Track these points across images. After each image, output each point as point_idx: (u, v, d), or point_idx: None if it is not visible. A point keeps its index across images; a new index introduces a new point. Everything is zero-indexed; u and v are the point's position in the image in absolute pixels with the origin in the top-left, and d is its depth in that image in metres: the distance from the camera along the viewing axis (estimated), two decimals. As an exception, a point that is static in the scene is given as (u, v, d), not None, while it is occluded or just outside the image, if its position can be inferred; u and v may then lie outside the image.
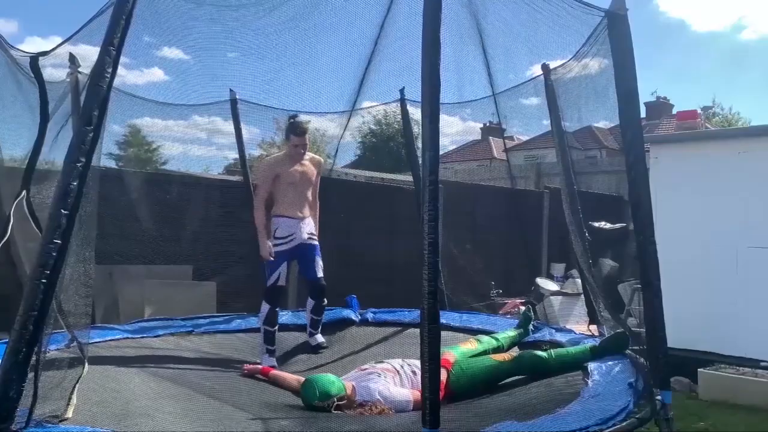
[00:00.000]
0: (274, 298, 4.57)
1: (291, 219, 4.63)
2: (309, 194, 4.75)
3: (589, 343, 4.06)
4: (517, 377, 3.71)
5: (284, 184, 4.62)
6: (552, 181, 10.49)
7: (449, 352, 3.75)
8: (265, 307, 4.54)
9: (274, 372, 4.01)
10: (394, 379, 3.51)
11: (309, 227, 4.73)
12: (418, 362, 3.59)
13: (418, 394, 3.28)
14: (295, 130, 4.61)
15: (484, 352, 4.03)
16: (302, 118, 5.06)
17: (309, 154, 4.76)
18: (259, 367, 4.11)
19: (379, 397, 3.31)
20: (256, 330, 5.33)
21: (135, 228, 6.16)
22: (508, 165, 9.48)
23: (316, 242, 4.75)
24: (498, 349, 4.16)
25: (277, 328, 4.57)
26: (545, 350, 3.93)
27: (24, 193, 3.79)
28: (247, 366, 4.17)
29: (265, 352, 4.46)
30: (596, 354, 3.79)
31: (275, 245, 4.60)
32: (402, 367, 3.61)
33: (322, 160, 5.03)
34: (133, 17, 2.68)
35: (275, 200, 4.67)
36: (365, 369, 3.64)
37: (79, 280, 2.92)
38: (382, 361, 3.74)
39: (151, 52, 3.98)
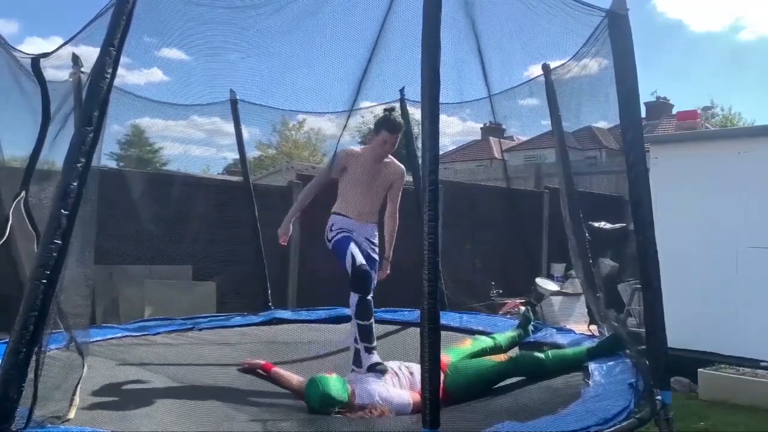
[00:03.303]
0: (360, 284, 3.76)
1: (348, 219, 4.06)
2: (378, 201, 4.20)
3: (586, 344, 4.06)
4: (516, 378, 3.71)
5: (351, 181, 4.08)
6: (552, 181, 10.50)
7: (443, 354, 3.69)
8: (353, 298, 3.77)
9: (276, 369, 3.94)
10: (392, 381, 3.51)
11: (369, 235, 4.16)
12: (413, 364, 3.61)
13: (417, 396, 3.28)
14: (390, 125, 4.04)
15: (482, 352, 4.02)
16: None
17: (390, 159, 4.21)
18: (261, 362, 4.05)
19: (379, 399, 3.31)
20: (258, 324, 5.35)
21: (135, 228, 6.16)
22: (504, 166, 9.50)
23: (376, 256, 4.18)
24: (496, 350, 4.14)
25: (373, 320, 3.80)
26: (544, 351, 3.92)
27: (23, 193, 3.79)
28: (247, 360, 4.11)
29: (363, 350, 3.75)
30: (593, 355, 3.79)
31: (333, 236, 4.02)
32: (400, 368, 3.61)
33: (404, 169, 4.37)
34: (133, 18, 2.69)
35: (338, 196, 4.16)
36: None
37: (79, 281, 2.92)
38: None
39: (152, 53, 3.97)
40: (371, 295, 3.82)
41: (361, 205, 4.10)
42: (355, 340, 3.87)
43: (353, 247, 3.90)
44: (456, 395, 3.40)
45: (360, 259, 3.85)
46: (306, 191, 4.23)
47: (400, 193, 4.33)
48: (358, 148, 4.29)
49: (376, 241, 4.23)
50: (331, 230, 4.07)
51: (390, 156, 4.21)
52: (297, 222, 4.39)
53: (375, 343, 3.79)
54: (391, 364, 3.65)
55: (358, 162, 4.09)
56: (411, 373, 3.52)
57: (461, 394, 3.44)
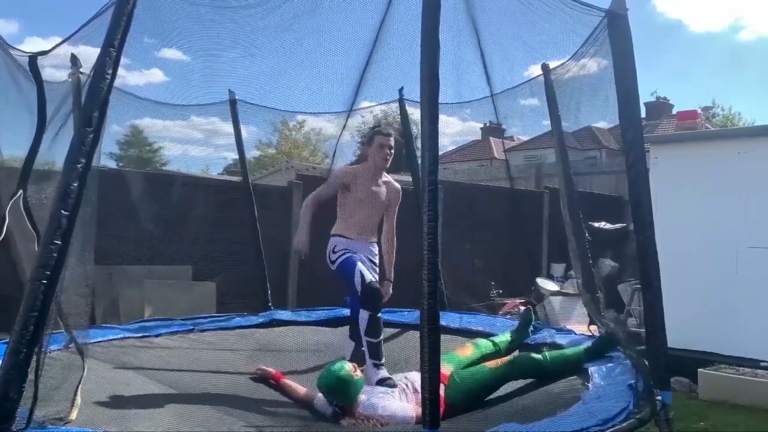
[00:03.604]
0: (370, 301, 3.81)
1: (350, 240, 4.08)
2: (377, 219, 4.22)
3: (583, 345, 4.05)
4: (516, 381, 3.70)
5: (352, 201, 4.11)
6: (552, 181, 10.49)
7: (444, 365, 3.58)
8: (363, 315, 3.82)
9: (285, 381, 3.98)
10: (400, 396, 3.50)
11: (371, 254, 4.18)
12: (415, 376, 3.61)
13: (420, 410, 3.29)
14: (380, 130, 4.17)
15: (483, 358, 4.00)
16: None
17: (388, 178, 4.27)
18: (272, 371, 4.08)
19: (381, 412, 3.31)
20: (257, 326, 5.34)
21: (135, 228, 6.16)
22: (507, 166, 9.48)
23: (376, 276, 4.17)
24: (496, 354, 4.13)
25: (382, 338, 3.89)
26: (542, 353, 3.91)
27: (20, 192, 3.78)
28: (260, 368, 4.12)
29: (371, 366, 3.81)
30: (591, 355, 3.78)
31: (337, 257, 4.03)
32: (407, 386, 3.60)
33: (400, 188, 4.38)
34: (133, 18, 2.68)
35: (338, 217, 4.18)
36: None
37: (79, 281, 2.92)
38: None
39: (152, 53, 3.97)
40: (380, 313, 3.84)
41: (362, 224, 4.12)
42: (351, 359, 3.92)
43: (360, 266, 3.90)
44: (457, 406, 3.39)
45: (369, 277, 3.87)
46: (306, 204, 4.14)
47: (395, 215, 4.34)
48: (354, 166, 4.30)
49: (377, 258, 4.25)
50: (333, 252, 4.07)
51: (387, 175, 4.25)
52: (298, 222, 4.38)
53: (384, 359, 3.83)
54: (398, 381, 3.64)
55: (358, 181, 4.10)
56: (415, 390, 3.52)
57: (462, 404, 3.42)
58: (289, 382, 3.94)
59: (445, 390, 3.43)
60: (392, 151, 4.17)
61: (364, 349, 3.86)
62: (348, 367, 3.44)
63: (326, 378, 3.39)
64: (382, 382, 3.65)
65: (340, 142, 6.39)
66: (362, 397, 3.41)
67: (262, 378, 4.02)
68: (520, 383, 3.66)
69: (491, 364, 3.79)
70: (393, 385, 3.58)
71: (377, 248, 4.27)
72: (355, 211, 4.12)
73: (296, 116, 7.50)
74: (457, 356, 3.94)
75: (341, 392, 3.35)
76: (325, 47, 4.61)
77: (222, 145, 6.45)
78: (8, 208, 3.72)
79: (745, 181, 5.80)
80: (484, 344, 4.22)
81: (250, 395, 3.72)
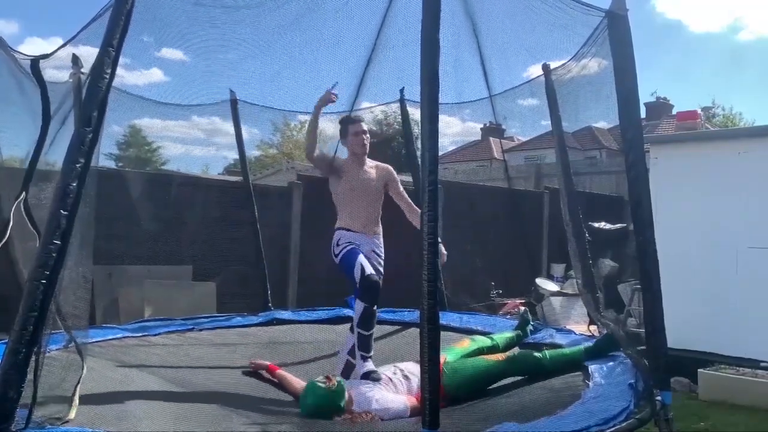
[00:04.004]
0: (367, 293, 3.81)
1: (353, 233, 4.08)
2: (377, 208, 4.22)
3: (584, 344, 4.06)
4: (516, 378, 3.70)
5: (344, 189, 4.13)
6: (552, 182, 10.48)
7: (440, 353, 3.67)
8: (358, 306, 3.84)
9: (281, 372, 3.97)
10: (387, 387, 3.50)
11: (375, 246, 4.17)
12: (408, 365, 3.61)
13: (414, 400, 3.29)
14: (347, 120, 4.26)
15: (479, 351, 4.01)
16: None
17: (374, 163, 4.30)
18: (266, 363, 4.08)
19: (376, 405, 3.31)
20: (258, 324, 5.35)
21: (135, 228, 6.16)
22: (505, 166, 9.48)
23: (382, 268, 4.18)
24: (493, 349, 4.14)
25: (374, 332, 3.87)
26: (541, 351, 3.91)
27: (24, 194, 3.78)
28: (253, 361, 4.13)
29: (359, 358, 3.82)
30: (590, 354, 3.78)
31: (340, 250, 4.03)
32: (394, 373, 3.59)
33: (391, 167, 4.40)
34: (132, 18, 2.68)
35: (339, 212, 4.20)
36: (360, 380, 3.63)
37: (78, 281, 2.91)
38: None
39: (151, 53, 3.97)
40: (375, 306, 3.84)
41: (364, 215, 4.13)
42: (349, 353, 3.96)
43: (362, 258, 3.92)
44: (452, 393, 3.40)
45: (369, 269, 3.87)
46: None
47: (402, 189, 4.33)
48: (340, 158, 4.30)
49: (382, 252, 4.24)
50: (337, 245, 4.08)
51: (372, 161, 4.28)
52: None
53: (372, 352, 3.83)
54: (385, 370, 3.65)
55: (350, 171, 4.14)
56: (406, 377, 3.52)
57: (457, 393, 3.44)
58: (285, 374, 3.93)
59: (441, 376, 3.43)
60: (368, 135, 4.19)
61: (350, 344, 3.91)
62: (317, 389, 3.30)
63: (307, 409, 3.29)
64: (367, 375, 3.65)
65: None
66: (353, 392, 3.40)
67: (256, 371, 4.02)
68: (520, 382, 3.66)
69: (491, 357, 3.80)
70: (377, 379, 3.57)
71: (381, 240, 4.25)
72: (351, 201, 4.13)
73: (297, 116, 7.48)
74: (455, 348, 3.95)
75: (327, 411, 3.29)
76: (325, 47, 4.61)
77: (222, 144, 6.45)
78: (12, 211, 3.72)
79: (745, 181, 5.79)
80: (482, 339, 4.24)
81: (250, 394, 3.72)
